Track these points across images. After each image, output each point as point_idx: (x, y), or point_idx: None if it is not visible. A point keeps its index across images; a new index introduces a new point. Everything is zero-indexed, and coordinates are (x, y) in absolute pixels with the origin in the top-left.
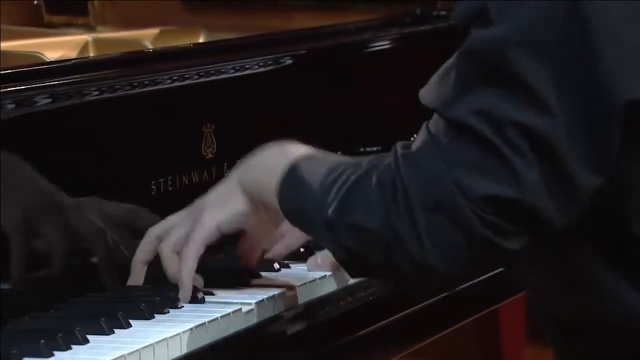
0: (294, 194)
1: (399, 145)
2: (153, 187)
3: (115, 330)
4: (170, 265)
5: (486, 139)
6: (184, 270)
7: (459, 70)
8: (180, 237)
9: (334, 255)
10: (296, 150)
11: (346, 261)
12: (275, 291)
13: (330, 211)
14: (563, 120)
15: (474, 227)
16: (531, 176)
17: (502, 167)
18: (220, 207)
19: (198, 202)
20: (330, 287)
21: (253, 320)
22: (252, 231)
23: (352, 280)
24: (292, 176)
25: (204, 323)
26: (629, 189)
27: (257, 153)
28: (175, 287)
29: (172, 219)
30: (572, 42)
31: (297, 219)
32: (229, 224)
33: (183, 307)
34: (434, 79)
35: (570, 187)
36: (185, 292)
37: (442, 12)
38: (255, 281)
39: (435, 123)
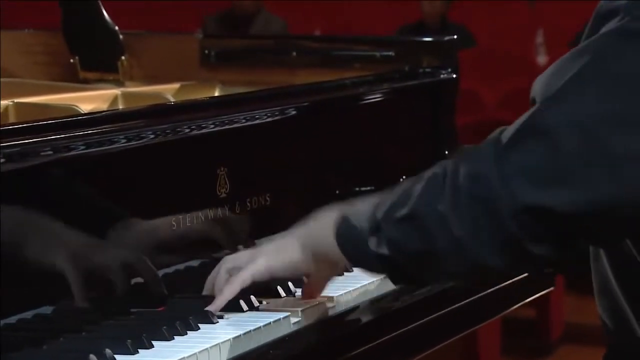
0: (349, 235)
1: (496, 133)
2: (174, 223)
3: (139, 350)
4: (220, 281)
5: (568, 152)
6: (228, 289)
7: (578, 69)
8: (237, 266)
9: (390, 276)
10: (343, 205)
11: (391, 259)
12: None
13: (379, 214)
14: None
15: (510, 229)
16: (593, 203)
17: (565, 183)
18: (276, 255)
19: (265, 245)
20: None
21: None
22: (309, 277)
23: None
24: (345, 222)
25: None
26: None
27: (312, 216)
28: (195, 313)
29: (242, 254)
30: None
31: (354, 259)
32: (280, 270)
33: (200, 329)
34: (552, 66)
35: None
36: (217, 305)
37: (427, 69)
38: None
39: (522, 118)
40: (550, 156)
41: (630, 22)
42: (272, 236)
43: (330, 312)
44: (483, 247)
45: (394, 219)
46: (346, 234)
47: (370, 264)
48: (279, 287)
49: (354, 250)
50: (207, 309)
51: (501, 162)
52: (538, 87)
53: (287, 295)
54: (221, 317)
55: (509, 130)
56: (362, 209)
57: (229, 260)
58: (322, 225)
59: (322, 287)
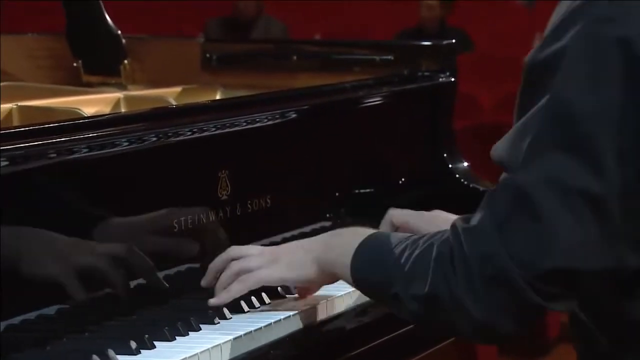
0: (365, 271)
1: (458, 220)
2: (175, 224)
3: (141, 350)
4: (227, 279)
5: (549, 213)
6: (235, 288)
7: (536, 133)
8: (248, 268)
9: (405, 317)
10: (364, 232)
11: (414, 322)
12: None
13: (396, 287)
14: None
15: (527, 296)
16: (585, 246)
17: (559, 241)
18: (292, 269)
19: (277, 250)
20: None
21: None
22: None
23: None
24: (362, 255)
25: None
26: None
27: (334, 234)
28: (196, 314)
29: (251, 250)
30: None
31: (369, 292)
32: (292, 282)
33: (201, 329)
34: (508, 136)
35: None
36: (222, 300)
37: (426, 73)
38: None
39: (499, 195)
40: (533, 221)
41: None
42: (290, 242)
43: (330, 313)
44: (508, 322)
45: (411, 295)
46: (362, 276)
47: (387, 303)
48: (279, 288)
49: (367, 295)
50: (209, 301)
51: (504, 240)
52: (503, 155)
53: (287, 296)
54: (223, 317)
55: (497, 203)
56: (378, 249)
57: (237, 255)
58: (342, 248)
59: (317, 289)
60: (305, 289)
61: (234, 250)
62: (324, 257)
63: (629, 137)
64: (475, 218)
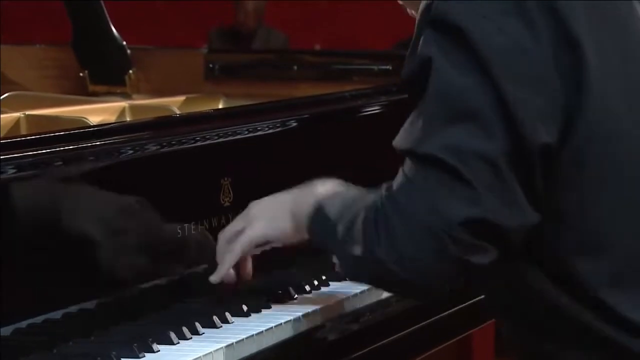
0: (317, 230)
1: (383, 186)
2: (179, 230)
3: (145, 354)
4: (220, 251)
5: (454, 168)
6: (228, 256)
7: (425, 114)
8: (233, 232)
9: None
10: (325, 190)
11: (354, 280)
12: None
13: (337, 253)
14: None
15: (448, 248)
16: (491, 197)
17: (468, 190)
18: (271, 223)
19: (254, 209)
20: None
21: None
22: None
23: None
24: (316, 216)
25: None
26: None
27: (304, 187)
28: (199, 318)
29: (235, 221)
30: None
31: (321, 249)
32: (274, 237)
33: (204, 333)
34: (403, 127)
35: (518, 206)
36: (221, 273)
37: None
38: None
39: (408, 166)
40: (445, 176)
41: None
42: (264, 199)
43: (330, 316)
44: (431, 278)
45: (345, 256)
46: (317, 229)
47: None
48: (279, 291)
49: (322, 244)
50: (210, 278)
51: (420, 198)
52: (402, 142)
53: (290, 299)
54: (225, 321)
55: (410, 170)
56: (331, 210)
57: (226, 231)
58: (308, 205)
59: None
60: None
61: (224, 231)
62: (295, 209)
63: (500, 107)
64: (395, 183)
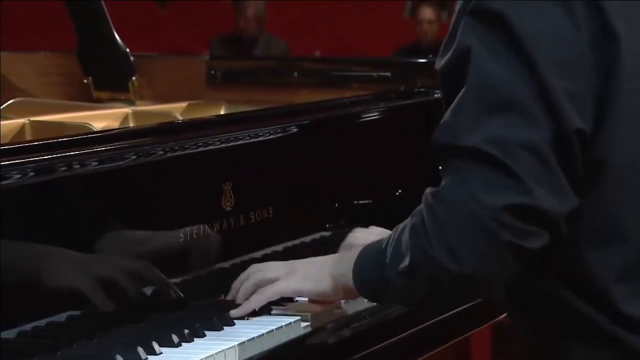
0: (363, 275)
1: (428, 190)
2: (181, 235)
3: (148, 356)
4: (247, 290)
5: (500, 161)
6: (254, 299)
7: (465, 107)
8: (267, 279)
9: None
10: (366, 240)
11: (408, 304)
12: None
13: (385, 274)
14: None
15: (498, 235)
16: (539, 186)
17: (514, 181)
18: (308, 282)
19: (294, 263)
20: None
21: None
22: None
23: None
24: (361, 262)
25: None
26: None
27: (345, 248)
28: (201, 321)
29: (270, 265)
30: None
31: (370, 294)
32: (308, 295)
33: (206, 335)
34: (441, 122)
35: (564, 192)
36: (243, 312)
37: (422, 89)
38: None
39: (450, 162)
40: (493, 168)
41: None
42: (308, 258)
43: (331, 319)
44: (487, 265)
45: (396, 274)
46: (362, 280)
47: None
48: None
49: (371, 297)
50: (231, 312)
51: (466, 190)
52: (443, 136)
53: (291, 302)
54: (227, 324)
55: (454, 167)
56: (372, 254)
57: (258, 270)
58: (348, 264)
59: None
60: (320, 301)
61: (255, 266)
62: (336, 271)
63: (542, 95)
64: (441, 185)
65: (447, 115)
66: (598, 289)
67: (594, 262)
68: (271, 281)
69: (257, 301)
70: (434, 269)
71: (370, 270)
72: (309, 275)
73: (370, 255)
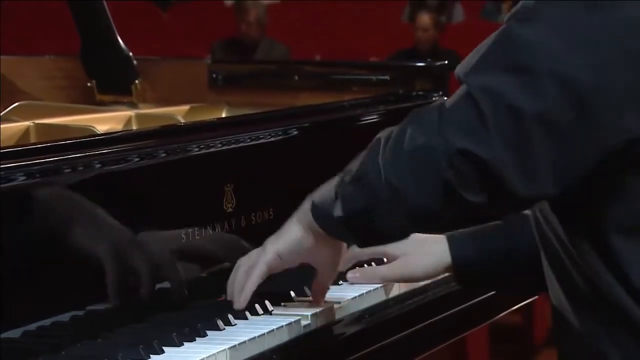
0: (320, 207)
1: (436, 103)
2: (183, 236)
3: (150, 355)
4: (239, 280)
5: (481, 111)
6: (248, 284)
7: (488, 50)
8: (251, 262)
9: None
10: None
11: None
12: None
13: (336, 187)
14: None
15: (440, 171)
16: (505, 149)
17: (484, 132)
18: (281, 239)
19: (270, 237)
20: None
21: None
22: (315, 264)
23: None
24: (318, 195)
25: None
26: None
27: (308, 196)
28: (202, 320)
29: (253, 251)
30: None
31: (326, 222)
32: (287, 251)
33: (207, 335)
34: (467, 57)
35: (536, 174)
36: (242, 300)
37: (420, 92)
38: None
39: (457, 91)
40: (473, 113)
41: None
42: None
43: (329, 320)
44: (421, 193)
45: (346, 183)
46: (318, 206)
47: (336, 230)
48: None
49: (324, 220)
50: (234, 305)
51: (440, 120)
52: (462, 65)
53: (291, 302)
54: (228, 323)
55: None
56: (333, 182)
57: (244, 262)
58: (307, 202)
59: (329, 279)
60: (320, 284)
61: (240, 260)
62: (300, 216)
63: (565, 68)
64: (446, 101)
65: (474, 51)
66: (625, 274)
67: (623, 250)
68: (254, 262)
69: (248, 286)
70: (375, 177)
71: (324, 193)
72: (279, 234)
73: (325, 185)
